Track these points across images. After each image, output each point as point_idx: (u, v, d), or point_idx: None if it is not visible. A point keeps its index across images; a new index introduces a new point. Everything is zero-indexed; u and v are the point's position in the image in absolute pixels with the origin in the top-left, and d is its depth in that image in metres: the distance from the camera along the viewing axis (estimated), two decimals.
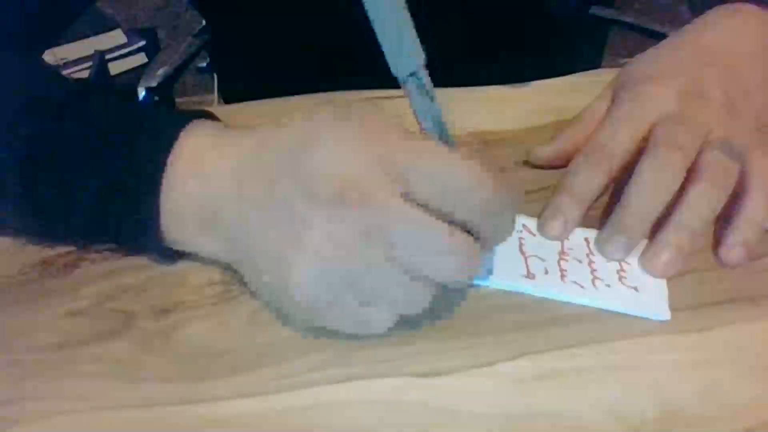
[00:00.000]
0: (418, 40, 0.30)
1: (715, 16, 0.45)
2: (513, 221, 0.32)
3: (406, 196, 0.29)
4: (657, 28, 0.78)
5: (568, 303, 0.35)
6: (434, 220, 0.29)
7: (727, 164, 0.37)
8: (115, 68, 1.43)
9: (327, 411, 0.31)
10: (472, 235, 0.30)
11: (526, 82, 0.51)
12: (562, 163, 0.43)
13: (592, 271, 0.37)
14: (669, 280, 0.36)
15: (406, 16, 0.29)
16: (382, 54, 0.30)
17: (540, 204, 0.40)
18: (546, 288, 0.36)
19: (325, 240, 0.29)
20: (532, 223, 0.39)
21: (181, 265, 0.37)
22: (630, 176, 0.37)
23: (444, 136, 0.32)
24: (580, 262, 0.37)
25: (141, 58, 1.46)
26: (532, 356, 0.33)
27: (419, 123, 0.32)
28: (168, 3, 1.79)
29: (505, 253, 0.37)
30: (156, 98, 0.77)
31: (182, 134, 0.34)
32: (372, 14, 0.28)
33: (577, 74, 0.52)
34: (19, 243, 0.38)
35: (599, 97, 0.44)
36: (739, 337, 0.34)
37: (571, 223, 0.38)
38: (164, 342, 0.34)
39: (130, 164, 0.33)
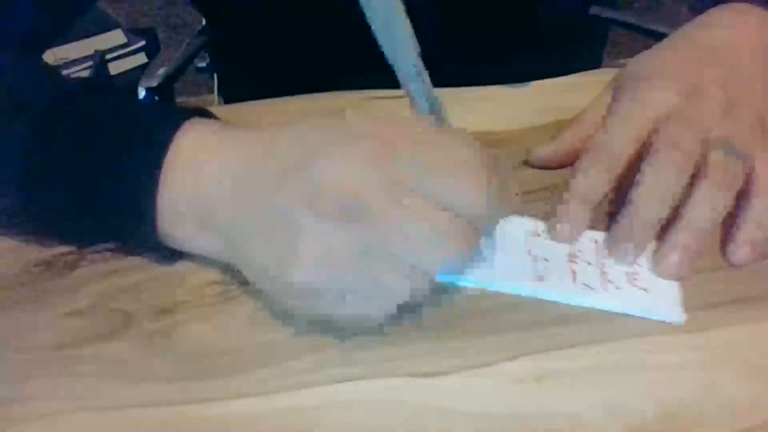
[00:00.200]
0: (411, 27, 0.30)
1: (714, 15, 0.45)
2: (507, 208, 0.33)
3: (407, 189, 0.30)
4: (657, 28, 0.78)
5: (568, 303, 0.35)
6: (433, 211, 0.30)
7: (732, 164, 0.37)
8: (115, 68, 1.43)
9: (327, 411, 0.31)
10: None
11: (526, 82, 0.51)
12: (561, 164, 0.43)
13: (603, 273, 0.36)
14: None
15: (401, 10, 0.29)
16: (381, 54, 0.30)
17: (540, 204, 0.40)
18: (557, 291, 0.35)
19: (322, 251, 0.30)
20: (540, 226, 0.39)
21: (181, 265, 0.37)
22: (633, 176, 0.37)
23: (440, 117, 0.33)
24: (590, 264, 0.37)
25: (141, 58, 1.46)
26: (532, 356, 0.33)
27: (415, 108, 0.33)
28: (168, 3, 1.79)
29: (514, 256, 0.37)
30: (156, 98, 0.77)
31: (179, 133, 0.34)
32: (368, 10, 0.29)
33: (577, 74, 0.52)
34: (19, 243, 0.38)
35: (599, 97, 0.44)
36: (739, 337, 0.34)
37: (579, 226, 0.38)
38: (164, 342, 0.34)
39: (127, 164, 0.33)
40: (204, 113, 0.36)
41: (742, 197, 0.37)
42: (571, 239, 0.38)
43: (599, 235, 0.38)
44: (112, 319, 0.34)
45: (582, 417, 0.31)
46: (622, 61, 0.46)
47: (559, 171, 0.43)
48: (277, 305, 0.34)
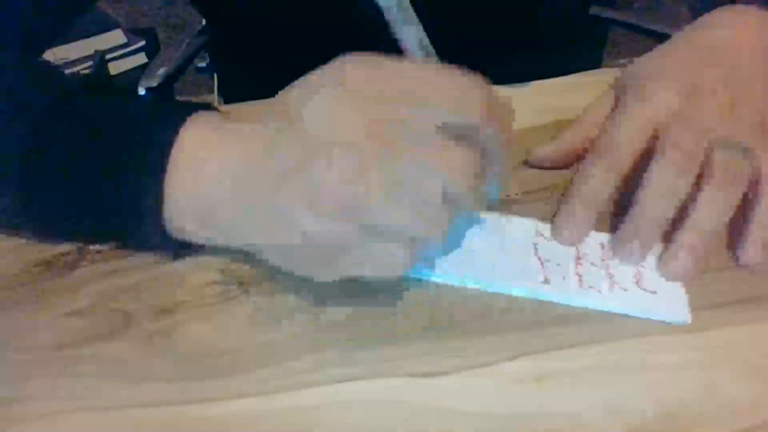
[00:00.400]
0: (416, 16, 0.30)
1: (715, 16, 0.45)
2: (510, 123, 0.33)
3: (407, 188, 0.30)
4: (657, 28, 0.78)
5: (574, 305, 0.35)
6: (436, 144, 0.30)
7: (738, 164, 0.37)
8: (115, 68, 1.43)
9: (327, 411, 0.31)
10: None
11: (525, 82, 0.51)
12: (561, 164, 0.43)
13: (610, 276, 0.36)
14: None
15: None
16: (380, 53, 0.30)
17: (540, 204, 0.40)
18: (564, 294, 0.35)
19: (320, 247, 0.31)
20: (545, 227, 0.39)
21: (181, 265, 0.37)
22: (636, 177, 0.37)
23: (429, 54, 0.33)
24: (596, 266, 0.37)
25: (141, 58, 1.46)
26: (532, 356, 0.33)
27: (404, 49, 0.33)
28: (168, 3, 1.79)
29: (521, 259, 0.37)
30: (156, 97, 0.77)
31: (180, 131, 0.34)
32: None
33: (577, 74, 0.52)
34: (19, 243, 0.38)
35: (600, 98, 0.44)
36: (739, 337, 0.34)
37: (585, 228, 0.38)
38: (164, 342, 0.34)
39: (128, 164, 0.33)
40: (205, 107, 0.36)
41: (747, 197, 0.37)
42: (576, 242, 0.38)
43: (604, 237, 0.38)
44: (112, 319, 0.34)
45: (582, 417, 0.31)
46: (622, 61, 0.46)
47: (559, 171, 0.43)
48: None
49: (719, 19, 0.44)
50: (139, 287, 0.36)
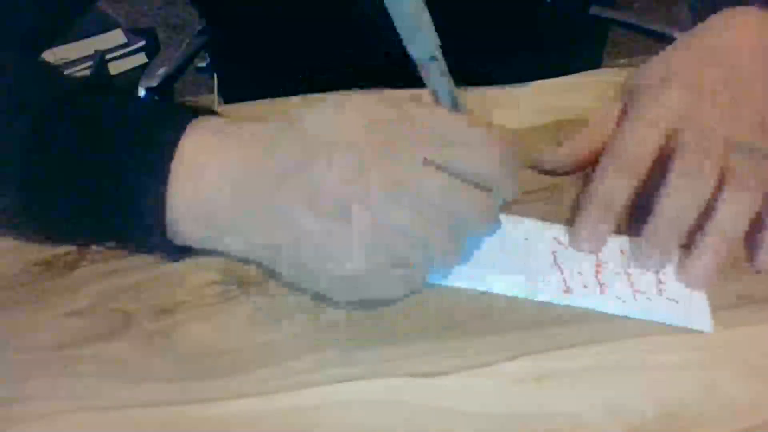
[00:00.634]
0: (433, 25, 0.31)
1: (719, 18, 0.44)
2: (517, 175, 0.34)
3: (407, 188, 0.31)
4: (657, 28, 0.78)
5: (568, 303, 0.35)
6: (453, 184, 0.32)
7: (757, 166, 0.36)
8: (115, 68, 1.43)
9: (327, 411, 0.31)
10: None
11: (526, 82, 0.51)
12: (569, 170, 0.42)
13: (631, 284, 0.36)
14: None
15: (423, 4, 0.30)
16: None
17: (540, 204, 0.40)
18: (586, 302, 0.35)
19: (318, 247, 0.31)
20: (562, 234, 0.38)
21: (181, 265, 0.37)
22: (653, 180, 0.37)
23: (461, 111, 0.34)
24: (617, 274, 0.36)
25: (141, 58, 1.46)
26: (532, 356, 0.33)
27: (437, 101, 0.34)
28: (168, 3, 1.79)
29: (541, 268, 0.37)
30: (156, 98, 0.77)
31: (181, 135, 0.34)
32: (391, 5, 0.30)
33: (577, 74, 0.52)
34: (19, 243, 0.38)
35: (607, 103, 0.43)
36: (739, 337, 0.34)
37: (604, 235, 0.37)
38: (164, 342, 0.34)
39: (128, 165, 0.33)
40: (205, 110, 0.36)
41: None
42: (596, 249, 0.37)
43: (624, 242, 0.38)
44: (112, 319, 0.34)
45: (582, 417, 0.31)
46: (622, 61, 0.46)
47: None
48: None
49: (722, 21, 0.44)
50: (139, 287, 0.36)
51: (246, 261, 0.36)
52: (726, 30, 0.44)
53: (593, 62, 0.78)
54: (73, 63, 1.37)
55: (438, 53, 0.32)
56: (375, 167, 0.31)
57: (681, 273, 0.36)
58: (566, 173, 0.42)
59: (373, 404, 0.31)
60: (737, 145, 0.37)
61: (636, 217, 0.38)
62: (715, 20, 0.45)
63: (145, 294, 0.36)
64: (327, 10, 0.54)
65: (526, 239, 0.38)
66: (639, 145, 0.38)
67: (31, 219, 0.36)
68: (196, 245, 0.35)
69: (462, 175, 0.32)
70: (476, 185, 0.32)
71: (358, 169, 0.30)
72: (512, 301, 0.35)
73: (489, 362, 0.33)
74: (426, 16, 0.31)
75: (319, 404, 0.31)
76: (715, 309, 0.35)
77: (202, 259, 0.37)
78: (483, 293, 0.36)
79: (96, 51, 1.39)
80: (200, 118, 0.35)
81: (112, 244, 0.38)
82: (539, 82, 0.51)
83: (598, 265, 0.37)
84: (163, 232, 0.34)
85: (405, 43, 0.31)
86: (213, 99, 0.90)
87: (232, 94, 0.81)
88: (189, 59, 0.81)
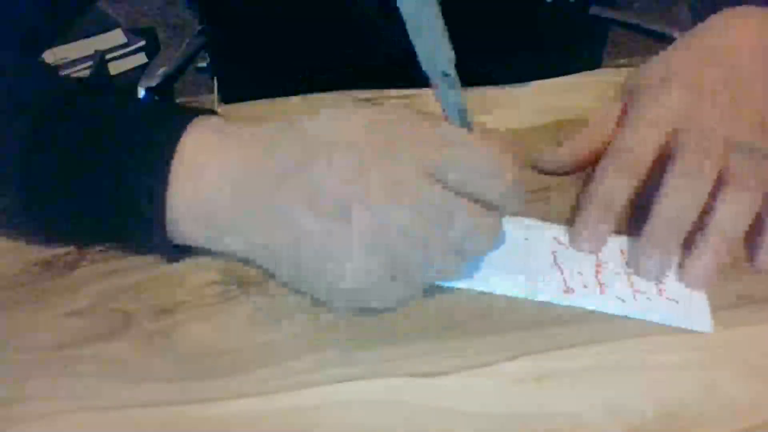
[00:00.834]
0: (449, 40, 0.31)
1: (720, 18, 0.44)
2: (523, 192, 0.34)
3: (433, 177, 0.31)
4: (657, 28, 0.78)
5: (568, 303, 0.35)
6: (457, 202, 0.31)
7: (757, 167, 0.36)
8: (115, 68, 1.43)
9: (327, 411, 0.31)
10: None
11: (525, 82, 0.51)
12: (570, 171, 0.42)
13: (632, 284, 0.36)
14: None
15: (440, 19, 0.30)
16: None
17: (540, 204, 0.40)
18: (586, 303, 0.35)
19: (319, 248, 0.31)
20: (562, 234, 0.38)
21: (181, 265, 0.37)
22: (653, 180, 0.37)
23: (469, 126, 0.34)
24: (618, 274, 0.36)
25: (141, 58, 1.46)
26: (532, 356, 0.33)
27: (447, 117, 0.33)
28: (168, 3, 1.79)
29: (541, 268, 0.37)
30: (156, 98, 0.77)
31: (181, 135, 0.34)
32: (407, 17, 0.30)
33: (577, 74, 0.52)
34: (19, 243, 0.38)
35: (607, 104, 0.43)
36: (739, 337, 0.34)
37: (604, 235, 0.37)
38: (164, 342, 0.34)
39: (128, 165, 0.33)
40: (205, 111, 0.36)
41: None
42: (596, 249, 0.37)
43: (624, 242, 0.38)
44: (112, 319, 0.34)
45: (582, 417, 0.31)
46: (622, 61, 0.46)
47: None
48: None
49: (722, 20, 0.44)
50: (139, 287, 0.36)
51: (246, 261, 0.36)
52: (726, 30, 0.44)
53: (593, 62, 0.78)
54: (73, 63, 1.37)
55: (451, 69, 0.31)
56: (375, 167, 0.31)
57: (681, 273, 0.36)
58: (566, 173, 0.42)
59: (373, 404, 0.31)
60: (737, 145, 0.37)
61: (636, 217, 0.38)
62: (715, 20, 0.45)
63: (145, 294, 0.36)
64: (327, 10, 0.54)
65: (526, 239, 0.38)
66: (639, 145, 0.38)
67: (31, 219, 0.36)
68: (195, 245, 0.35)
69: (465, 190, 0.32)
70: (478, 201, 0.32)
71: (358, 169, 0.30)
72: (512, 301, 0.35)
73: (489, 362, 0.33)
74: (442, 31, 0.30)
75: (319, 404, 0.31)
76: (715, 309, 0.35)
77: (202, 259, 0.37)
78: (483, 293, 0.36)
79: (96, 51, 1.39)
80: (200, 117, 0.35)
81: (112, 244, 0.38)
82: (539, 82, 0.51)
83: (598, 265, 0.37)
84: (163, 232, 0.34)
85: (419, 56, 0.31)
86: (213, 99, 0.90)
87: (232, 94, 0.81)
88: (189, 59, 0.81)
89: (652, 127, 0.38)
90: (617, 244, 0.38)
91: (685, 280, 0.36)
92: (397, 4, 0.29)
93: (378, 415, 0.31)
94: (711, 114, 0.38)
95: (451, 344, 0.33)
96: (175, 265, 0.37)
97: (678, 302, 0.35)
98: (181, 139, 0.33)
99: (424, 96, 0.35)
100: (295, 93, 0.49)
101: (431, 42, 0.30)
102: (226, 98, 0.83)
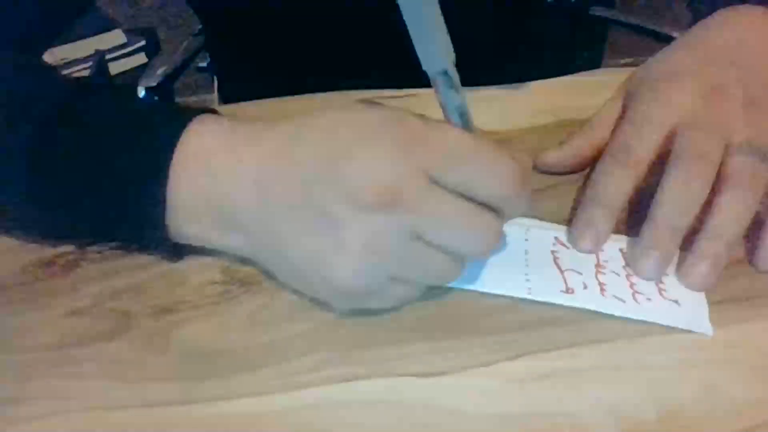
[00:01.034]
0: (449, 39, 0.31)
1: (722, 17, 0.44)
2: (529, 197, 0.34)
3: (437, 184, 0.31)
4: (657, 28, 0.78)
5: (568, 303, 0.35)
6: (462, 204, 0.31)
7: (756, 167, 0.36)
8: (115, 68, 1.43)
9: (327, 411, 0.31)
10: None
11: (526, 82, 0.51)
12: (571, 170, 0.42)
13: (631, 285, 0.36)
14: None
15: (440, 17, 0.30)
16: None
17: (542, 204, 0.40)
18: (586, 303, 0.35)
19: (366, 242, 0.30)
20: (562, 234, 0.38)
21: (181, 265, 0.37)
22: (652, 179, 0.36)
23: (469, 127, 0.34)
24: (617, 275, 0.36)
25: (141, 58, 1.46)
26: (532, 356, 0.33)
27: (447, 116, 0.33)
28: (168, 3, 1.79)
29: (541, 268, 0.37)
30: (156, 98, 0.77)
31: (186, 132, 0.33)
32: (407, 16, 0.29)
33: (577, 74, 0.52)
34: (19, 243, 0.38)
35: (609, 102, 0.43)
36: (739, 337, 0.34)
37: (603, 235, 0.37)
38: (164, 342, 0.34)
39: (133, 163, 0.33)
40: (205, 111, 0.36)
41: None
42: (596, 249, 0.37)
43: (624, 241, 0.38)
44: (112, 319, 0.35)
45: (582, 417, 0.31)
46: (622, 61, 0.46)
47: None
48: (315, 296, 0.34)
49: (723, 19, 0.44)
50: (139, 287, 0.36)
51: (246, 260, 0.36)
52: (727, 28, 0.44)
53: (593, 62, 0.78)
54: (73, 63, 1.37)
55: (451, 68, 0.31)
56: (403, 158, 0.30)
57: (681, 274, 0.36)
58: (567, 173, 0.42)
59: (373, 404, 0.31)
60: (737, 145, 0.37)
61: (636, 217, 0.38)
62: (716, 19, 0.44)
63: (145, 294, 0.36)
64: (327, 10, 0.54)
65: (526, 239, 0.38)
66: (639, 145, 0.38)
67: (35, 220, 0.36)
68: (197, 244, 0.35)
69: (466, 193, 0.31)
70: (481, 204, 0.32)
71: (388, 161, 0.30)
72: (512, 301, 0.35)
73: (489, 362, 0.33)
74: (442, 29, 0.30)
75: (319, 404, 0.31)
76: (715, 309, 0.35)
77: (202, 259, 0.37)
78: (483, 293, 0.36)
79: (96, 51, 1.39)
80: (202, 116, 0.35)
81: (113, 243, 0.38)
82: (539, 82, 0.51)
83: (598, 265, 0.37)
84: (165, 231, 0.34)
85: (419, 56, 0.31)
86: (213, 99, 0.90)
87: (232, 94, 0.81)
88: (189, 59, 0.81)
89: (651, 126, 0.38)
90: (617, 244, 0.38)
91: (684, 281, 0.36)
92: (397, 4, 0.29)
93: (378, 415, 0.31)
94: (711, 114, 0.38)
95: (451, 344, 0.33)
96: (175, 264, 0.37)
97: (678, 303, 0.35)
98: (181, 139, 0.33)
99: (424, 96, 0.35)
100: (295, 93, 0.49)
101: (431, 41, 0.30)
102: (226, 98, 0.83)
